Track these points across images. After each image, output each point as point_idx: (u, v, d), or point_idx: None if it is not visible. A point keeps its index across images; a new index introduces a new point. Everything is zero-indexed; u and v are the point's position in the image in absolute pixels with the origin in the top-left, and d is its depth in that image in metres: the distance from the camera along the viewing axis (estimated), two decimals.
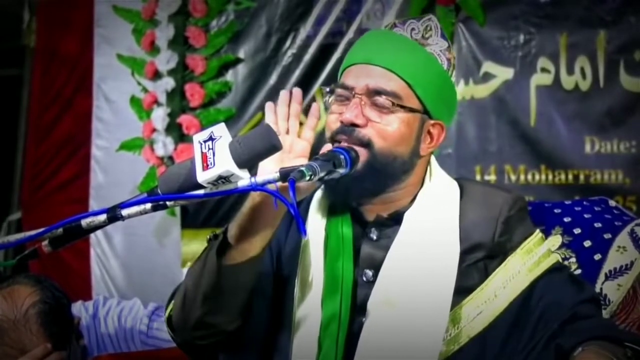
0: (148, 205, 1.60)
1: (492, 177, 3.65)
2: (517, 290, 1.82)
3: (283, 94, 1.84)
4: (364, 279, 1.85)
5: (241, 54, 4.18)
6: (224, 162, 1.57)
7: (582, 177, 3.51)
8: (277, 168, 1.64)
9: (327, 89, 1.90)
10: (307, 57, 4.02)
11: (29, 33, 4.78)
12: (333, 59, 3.94)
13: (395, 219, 1.87)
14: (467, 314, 1.81)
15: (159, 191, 1.63)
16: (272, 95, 4.06)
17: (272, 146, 1.62)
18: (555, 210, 2.07)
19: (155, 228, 4.30)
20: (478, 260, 1.84)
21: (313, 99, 3.86)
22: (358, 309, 1.83)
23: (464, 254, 1.83)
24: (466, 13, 3.67)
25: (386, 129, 1.83)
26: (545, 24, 3.57)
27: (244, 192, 1.62)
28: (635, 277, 1.94)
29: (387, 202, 1.88)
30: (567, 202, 2.13)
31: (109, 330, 2.65)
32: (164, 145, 4.16)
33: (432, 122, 1.89)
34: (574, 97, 3.53)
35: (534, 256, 1.86)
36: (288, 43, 4.08)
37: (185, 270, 3.35)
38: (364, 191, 1.85)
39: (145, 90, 4.27)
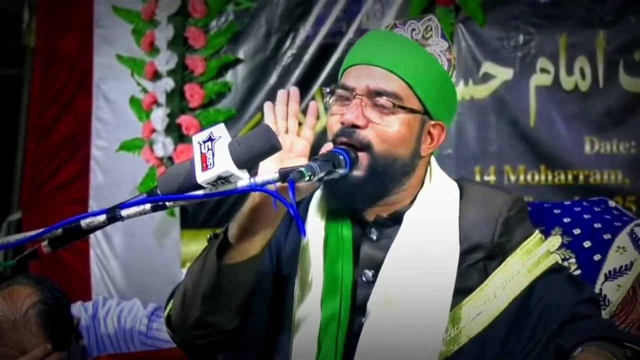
0: (147, 206, 1.60)
1: (491, 178, 3.66)
2: (516, 290, 1.82)
3: (281, 94, 1.84)
4: (364, 279, 1.85)
5: (241, 55, 4.18)
6: (223, 163, 1.57)
7: (581, 177, 3.52)
8: (277, 168, 1.64)
9: (328, 90, 1.90)
10: (307, 57, 4.02)
11: (29, 33, 4.78)
12: (333, 59, 3.94)
13: (395, 219, 1.87)
14: (466, 315, 1.81)
15: (159, 192, 1.63)
16: (272, 96, 4.02)
17: (272, 146, 1.62)
18: (555, 211, 2.07)
19: (154, 228, 4.30)
20: (478, 260, 1.84)
21: (313, 99, 3.86)
22: (358, 309, 1.83)
23: (464, 254, 1.84)
24: (466, 13, 3.67)
25: (386, 131, 1.83)
26: (544, 24, 3.58)
27: (243, 193, 1.62)
28: (634, 278, 1.94)
29: (388, 204, 1.88)
30: (566, 203, 2.13)
31: (108, 331, 2.65)
32: (163, 145, 4.16)
33: (432, 122, 1.88)
34: (574, 98, 3.53)
35: (533, 257, 1.86)
36: (288, 43, 4.08)
37: (184, 270, 3.35)
38: (366, 197, 1.85)
39: (144, 90, 4.27)
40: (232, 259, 1.76)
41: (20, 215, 4.78)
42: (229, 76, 4.19)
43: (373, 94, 1.84)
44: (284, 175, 1.59)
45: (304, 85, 3.83)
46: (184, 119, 4.16)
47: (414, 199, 1.89)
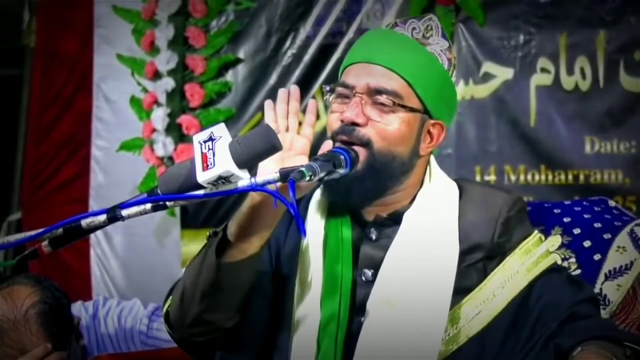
0: (148, 206, 1.60)
1: (491, 178, 3.66)
2: (515, 290, 1.82)
3: (282, 92, 1.85)
4: (363, 278, 1.85)
5: (241, 54, 4.18)
6: (223, 163, 1.57)
7: (582, 177, 3.52)
8: (277, 166, 1.64)
9: (328, 88, 1.90)
10: (307, 57, 4.02)
11: (29, 33, 4.78)
12: (333, 59, 3.94)
13: (395, 219, 1.87)
14: (465, 314, 1.81)
15: (159, 191, 1.63)
16: (272, 96, 4.00)
17: (272, 146, 1.62)
18: (555, 211, 2.07)
19: (155, 228, 4.30)
20: (477, 260, 1.84)
21: (313, 99, 3.85)
22: (357, 308, 1.83)
23: (463, 254, 1.84)
24: (466, 13, 3.67)
25: (386, 129, 1.83)
26: (545, 24, 3.58)
27: (243, 193, 1.62)
28: (634, 277, 1.94)
29: (387, 204, 1.88)
30: (566, 202, 2.13)
31: (108, 331, 2.65)
32: (163, 145, 4.16)
33: (432, 121, 1.89)
34: (574, 97, 3.53)
35: (532, 256, 1.86)
36: (288, 43, 4.08)
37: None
38: (364, 191, 1.85)
39: (145, 90, 4.27)
40: (231, 257, 1.76)
41: (20, 215, 4.78)
42: (229, 76, 4.19)
43: (373, 92, 1.84)
44: (285, 175, 1.59)
45: (304, 85, 3.83)
46: (184, 119, 4.16)
47: (413, 198, 1.89)
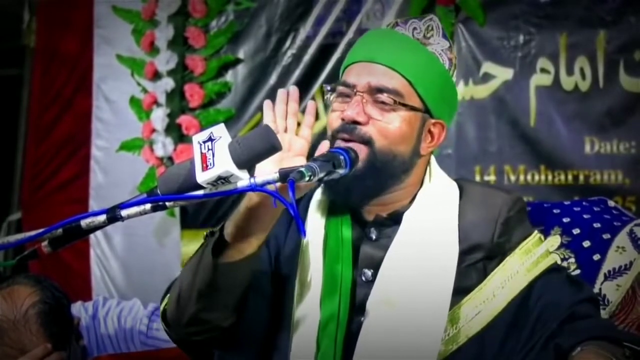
0: (148, 206, 1.60)
1: (491, 178, 3.66)
2: (515, 290, 1.82)
3: (281, 93, 1.85)
4: (363, 278, 1.85)
5: (241, 55, 4.18)
6: (223, 163, 1.57)
7: (581, 177, 3.52)
8: (275, 167, 1.64)
9: (329, 87, 1.91)
10: (307, 57, 4.02)
11: (29, 33, 4.78)
12: (333, 59, 3.94)
13: (395, 219, 1.87)
14: (465, 314, 1.81)
15: (159, 192, 1.63)
16: (272, 96, 3.98)
17: (272, 147, 1.63)
18: (555, 211, 2.07)
19: (155, 228, 4.30)
20: (477, 260, 1.84)
21: (313, 99, 3.86)
22: (357, 308, 1.83)
23: (463, 254, 1.84)
24: (466, 13, 3.68)
25: (387, 127, 1.83)
26: (545, 24, 3.58)
27: (243, 193, 1.62)
28: (634, 278, 1.94)
29: (387, 203, 1.89)
30: (566, 203, 2.13)
31: (108, 331, 2.65)
32: (163, 145, 4.16)
33: (433, 121, 1.89)
34: (574, 98, 3.53)
35: (532, 256, 1.86)
36: (288, 43, 4.08)
37: None
38: (365, 190, 1.85)
39: (144, 90, 4.27)
40: (228, 257, 1.76)
41: (20, 215, 4.78)
42: (229, 76, 4.20)
43: (374, 91, 1.84)
44: (284, 175, 1.59)
45: (304, 85, 3.83)
46: (184, 119, 4.16)
47: (413, 198, 1.89)
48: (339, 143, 1.82)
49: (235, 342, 1.86)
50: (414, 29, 1.90)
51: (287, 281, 1.88)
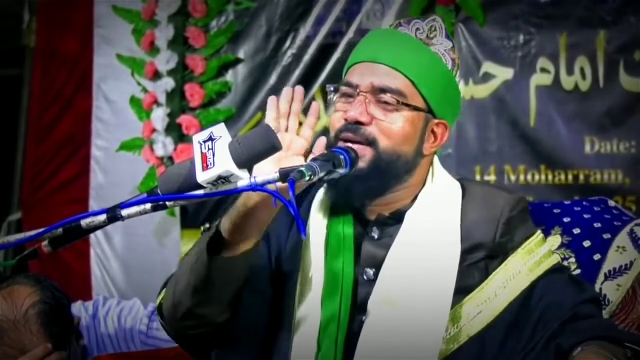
0: (148, 206, 1.60)
1: (491, 178, 3.66)
2: (517, 290, 1.82)
3: (286, 91, 1.84)
4: (365, 277, 1.85)
5: (241, 54, 4.18)
6: (223, 162, 1.57)
7: (581, 177, 3.52)
8: (274, 167, 1.64)
9: (332, 87, 1.90)
10: (307, 57, 4.02)
11: (29, 33, 4.78)
12: (333, 59, 3.94)
13: (397, 218, 1.87)
14: (467, 313, 1.81)
15: (159, 191, 1.63)
16: (272, 96, 4.05)
17: (272, 146, 1.62)
18: (555, 210, 2.07)
19: (155, 228, 4.30)
20: (479, 260, 1.84)
21: (313, 99, 3.86)
22: (358, 307, 1.83)
23: (465, 253, 1.84)
24: (466, 13, 3.68)
25: (390, 127, 1.83)
26: (545, 24, 3.58)
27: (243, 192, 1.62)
28: (634, 277, 1.94)
29: (389, 202, 1.88)
30: (566, 202, 2.13)
31: (108, 330, 2.65)
32: (163, 145, 4.16)
33: (436, 121, 1.89)
34: (574, 97, 3.53)
35: (534, 256, 1.86)
36: (288, 43, 4.08)
37: None
38: (368, 190, 1.85)
39: (145, 90, 4.27)
40: (224, 253, 1.76)
41: (20, 215, 4.78)
42: (229, 76, 4.19)
43: (377, 91, 1.84)
44: (284, 174, 1.59)
45: (304, 85, 3.75)
46: (184, 119, 4.16)
47: (416, 197, 1.89)
48: (342, 143, 1.82)
49: (233, 342, 1.87)
50: (417, 29, 1.90)
51: (289, 281, 1.88)
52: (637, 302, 1.93)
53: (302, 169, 1.61)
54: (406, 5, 3.76)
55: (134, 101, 4.30)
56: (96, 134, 4.47)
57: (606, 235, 2.00)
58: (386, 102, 1.83)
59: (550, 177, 3.58)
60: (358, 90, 1.84)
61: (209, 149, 1.58)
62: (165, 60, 4.18)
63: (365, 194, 1.86)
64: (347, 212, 1.89)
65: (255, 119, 4.10)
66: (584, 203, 2.11)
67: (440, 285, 1.80)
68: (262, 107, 4.16)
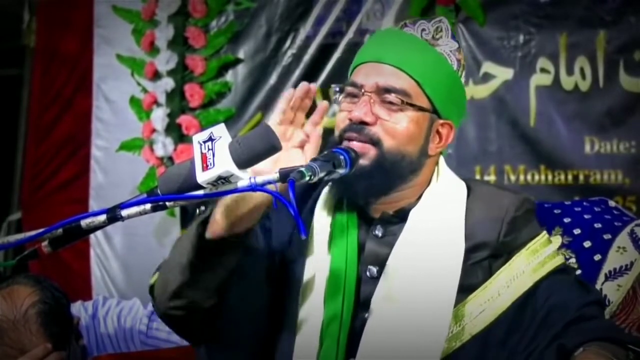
0: (148, 206, 1.60)
1: (492, 178, 3.66)
2: (520, 290, 1.83)
3: (302, 85, 1.82)
4: (368, 275, 1.85)
5: (241, 55, 4.18)
6: (223, 163, 1.57)
7: (581, 177, 3.52)
8: (271, 161, 1.64)
9: (337, 87, 1.91)
10: (307, 57, 4.02)
11: (29, 33, 4.77)
12: (333, 59, 3.93)
13: (401, 216, 1.88)
14: (469, 312, 1.81)
15: (159, 192, 1.63)
16: (272, 96, 4.06)
17: (272, 146, 1.63)
18: (555, 211, 2.07)
19: (155, 228, 4.30)
20: (482, 259, 1.85)
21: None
22: (361, 305, 1.83)
23: (469, 252, 1.84)
24: (466, 13, 3.67)
25: (395, 127, 1.83)
26: (545, 24, 3.58)
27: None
28: (635, 278, 1.94)
29: (394, 201, 1.89)
30: (566, 203, 2.13)
31: (108, 330, 2.65)
32: (163, 145, 4.16)
33: (441, 121, 1.89)
34: (574, 98, 3.53)
35: (539, 257, 1.86)
36: (288, 43, 4.08)
37: None
38: (372, 188, 1.85)
39: (145, 90, 4.27)
40: (214, 235, 1.74)
41: (20, 215, 4.77)
42: (229, 76, 4.19)
43: (382, 91, 1.84)
44: (285, 175, 1.59)
45: None
46: (184, 119, 4.16)
47: (420, 196, 1.89)
48: (346, 143, 1.82)
49: (231, 341, 1.86)
50: (423, 30, 1.90)
51: (292, 280, 1.88)
52: (637, 303, 1.93)
53: (302, 169, 1.61)
54: (406, 5, 3.76)
55: (134, 101, 4.30)
56: (96, 134, 4.47)
57: (607, 236, 2.00)
58: (391, 102, 1.83)
59: (550, 177, 3.58)
60: (363, 90, 1.85)
61: (209, 149, 1.58)
62: (165, 61, 4.17)
63: (369, 192, 1.86)
64: (351, 210, 1.90)
65: (255, 119, 4.10)
66: (585, 203, 2.11)
67: (444, 283, 1.81)
68: (262, 107, 4.17)
